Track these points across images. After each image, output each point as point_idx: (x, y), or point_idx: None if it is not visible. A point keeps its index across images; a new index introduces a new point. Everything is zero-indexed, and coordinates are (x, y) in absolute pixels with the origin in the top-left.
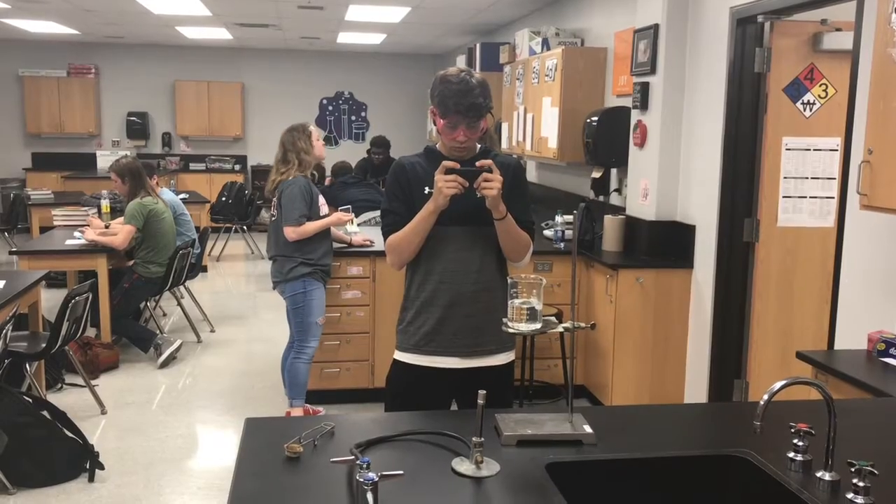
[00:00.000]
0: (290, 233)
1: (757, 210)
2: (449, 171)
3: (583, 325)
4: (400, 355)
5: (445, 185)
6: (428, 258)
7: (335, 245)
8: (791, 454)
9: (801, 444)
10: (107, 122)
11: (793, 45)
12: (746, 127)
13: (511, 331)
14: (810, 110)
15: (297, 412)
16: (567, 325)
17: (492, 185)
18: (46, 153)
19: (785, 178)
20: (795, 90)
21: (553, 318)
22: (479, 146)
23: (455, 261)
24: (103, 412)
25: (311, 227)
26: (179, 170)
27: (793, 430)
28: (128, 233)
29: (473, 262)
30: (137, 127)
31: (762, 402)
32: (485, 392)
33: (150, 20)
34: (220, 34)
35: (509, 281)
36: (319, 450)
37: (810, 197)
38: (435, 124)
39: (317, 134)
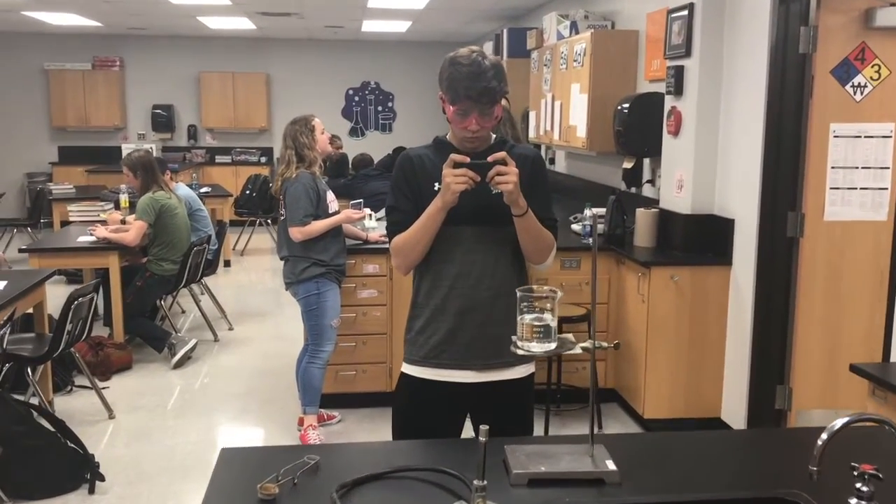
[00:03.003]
0: (296, 233)
1: (801, 203)
2: (458, 165)
3: (605, 344)
4: (408, 368)
5: (454, 180)
6: (438, 261)
7: (350, 242)
8: (853, 501)
9: (865, 489)
10: (132, 115)
11: (841, 23)
12: (790, 113)
13: (521, 352)
14: (861, 93)
15: (311, 419)
16: (586, 344)
17: (507, 179)
18: (72, 147)
19: (833, 167)
20: (844, 72)
21: (570, 336)
22: (493, 136)
23: (468, 264)
24: (111, 417)
25: (318, 226)
26: (205, 162)
27: (855, 473)
28: (139, 229)
29: (488, 266)
30: (163, 119)
31: (820, 443)
32: (487, 428)
33: (171, 10)
34: (244, 24)
35: (518, 294)
36: (300, 489)
37: (861, 188)
38: (445, 112)
39: (321, 127)
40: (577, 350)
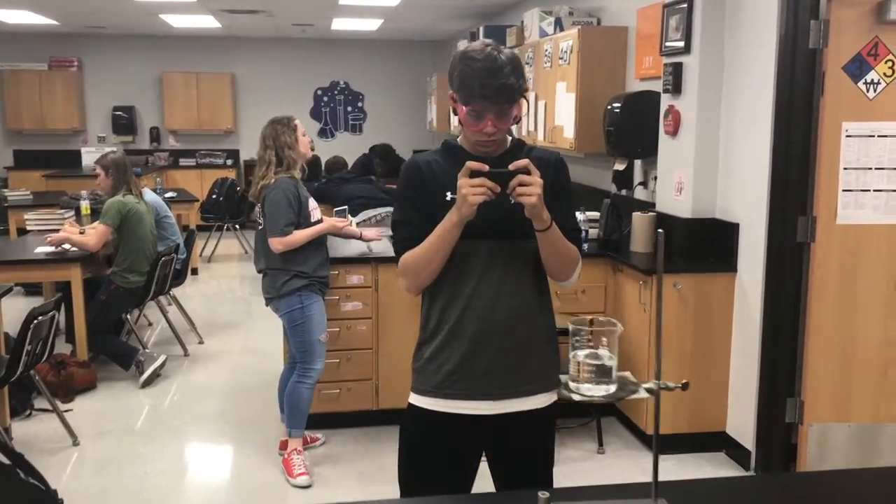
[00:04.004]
0: (276, 244)
1: (812, 206)
2: (475, 174)
3: (671, 384)
4: (416, 399)
5: (471, 191)
6: (451, 280)
7: (343, 242)
8: None
9: None
10: (92, 117)
11: (854, 17)
12: (800, 111)
13: (576, 397)
14: (874, 91)
15: (296, 443)
16: (650, 385)
17: (531, 191)
18: (29, 151)
19: (845, 168)
20: (857, 68)
21: (629, 375)
22: (510, 138)
23: (485, 282)
24: (75, 443)
25: (301, 236)
26: (169, 166)
27: None
28: (101, 233)
29: (506, 284)
30: (124, 122)
31: None
32: (547, 496)
33: (132, 8)
34: (208, 22)
35: (570, 328)
36: None
37: (875, 190)
38: (455, 113)
39: (302, 128)
40: (643, 394)
